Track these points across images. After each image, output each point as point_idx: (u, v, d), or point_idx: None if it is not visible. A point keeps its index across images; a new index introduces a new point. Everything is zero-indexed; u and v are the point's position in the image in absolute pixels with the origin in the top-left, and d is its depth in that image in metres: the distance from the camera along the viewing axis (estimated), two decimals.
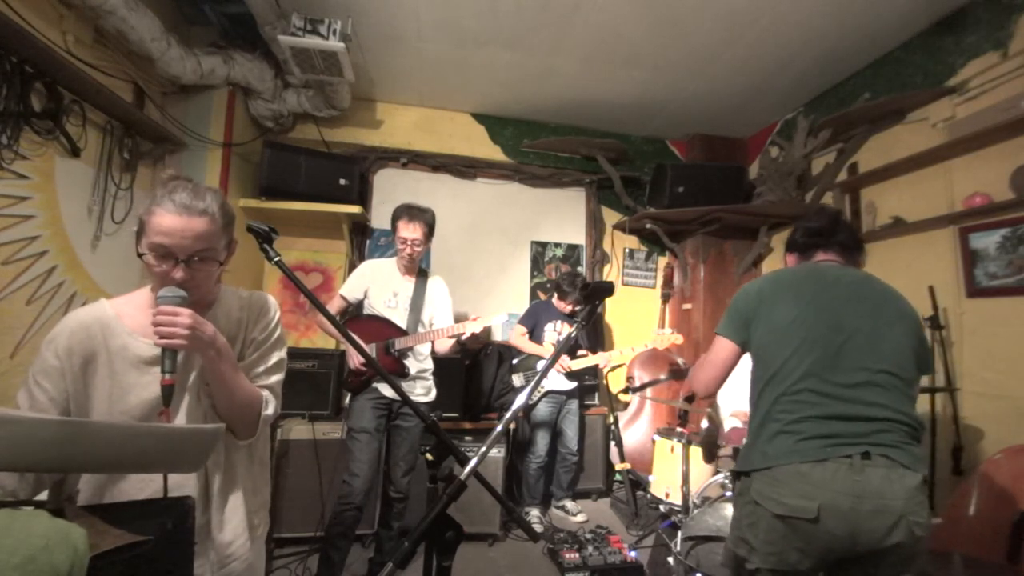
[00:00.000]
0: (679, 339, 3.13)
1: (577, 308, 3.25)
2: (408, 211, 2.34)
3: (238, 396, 1.04)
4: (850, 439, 1.20)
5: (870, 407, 1.21)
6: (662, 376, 3.70)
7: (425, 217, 2.35)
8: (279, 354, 1.18)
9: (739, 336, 1.44)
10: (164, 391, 0.95)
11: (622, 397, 3.78)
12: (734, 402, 2.88)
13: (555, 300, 3.36)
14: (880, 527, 1.14)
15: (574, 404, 3.33)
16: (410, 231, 2.31)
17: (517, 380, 3.26)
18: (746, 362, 1.47)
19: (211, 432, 0.86)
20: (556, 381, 3.20)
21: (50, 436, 0.72)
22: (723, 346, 1.46)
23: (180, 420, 1.04)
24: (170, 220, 0.95)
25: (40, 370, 0.97)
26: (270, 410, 1.12)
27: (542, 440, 3.21)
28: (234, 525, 1.09)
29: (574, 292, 3.23)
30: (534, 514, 3.15)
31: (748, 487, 1.32)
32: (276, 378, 1.16)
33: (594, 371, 3.73)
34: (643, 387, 3.48)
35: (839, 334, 1.28)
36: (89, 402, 0.99)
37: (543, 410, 3.22)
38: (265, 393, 1.12)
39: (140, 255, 0.98)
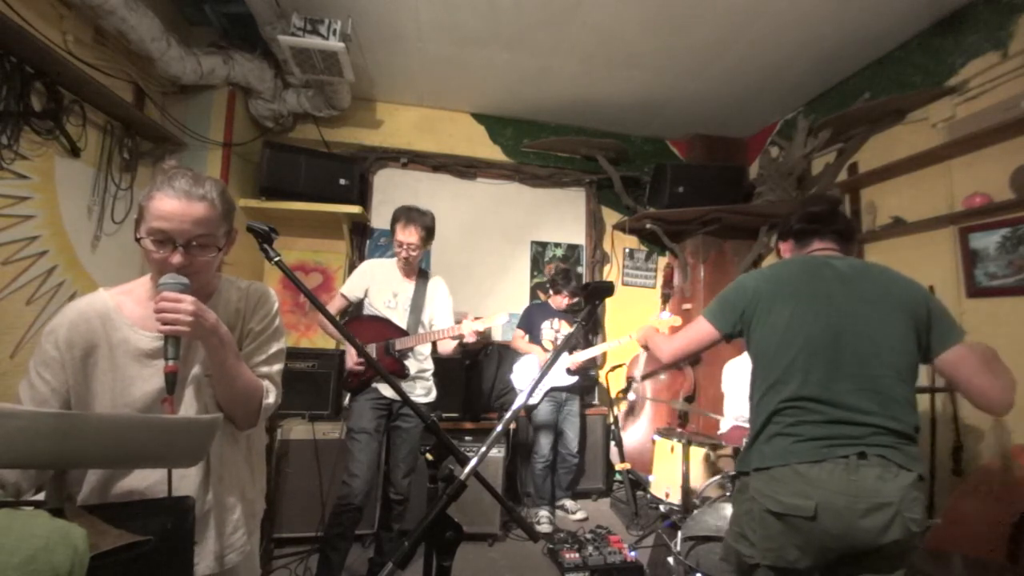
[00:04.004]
0: (677, 321, 3.17)
1: (574, 300, 3.29)
2: (406, 214, 2.31)
3: (239, 385, 1.04)
4: (846, 440, 1.22)
5: (866, 415, 1.23)
6: (662, 376, 3.72)
7: (423, 220, 2.32)
8: (278, 344, 1.18)
9: (724, 326, 1.43)
10: (168, 378, 0.94)
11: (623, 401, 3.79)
12: (737, 406, 2.87)
13: (551, 298, 3.37)
14: (875, 525, 1.16)
15: (575, 404, 3.32)
16: (406, 235, 2.29)
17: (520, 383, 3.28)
18: (748, 365, 1.46)
19: (209, 422, 0.86)
20: (555, 378, 3.20)
21: (48, 429, 0.72)
22: (703, 328, 1.46)
23: (182, 413, 1.04)
24: (170, 204, 0.95)
25: (40, 361, 0.97)
26: (271, 399, 1.12)
27: (545, 440, 3.21)
28: (234, 517, 1.09)
29: (568, 284, 3.26)
30: (543, 514, 3.12)
31: (747, 485, 1.34)
32: (276, 367, 1.16)
33: (593, 367, 3.75)
34: (644, 377, 3.52)
35: (837, 339, 1.29)
36: (90, 394, 0.99)
37: (544, 409, 3.22)
38: (265, 383, 1.12)
39: (138, 240, 0.98)
